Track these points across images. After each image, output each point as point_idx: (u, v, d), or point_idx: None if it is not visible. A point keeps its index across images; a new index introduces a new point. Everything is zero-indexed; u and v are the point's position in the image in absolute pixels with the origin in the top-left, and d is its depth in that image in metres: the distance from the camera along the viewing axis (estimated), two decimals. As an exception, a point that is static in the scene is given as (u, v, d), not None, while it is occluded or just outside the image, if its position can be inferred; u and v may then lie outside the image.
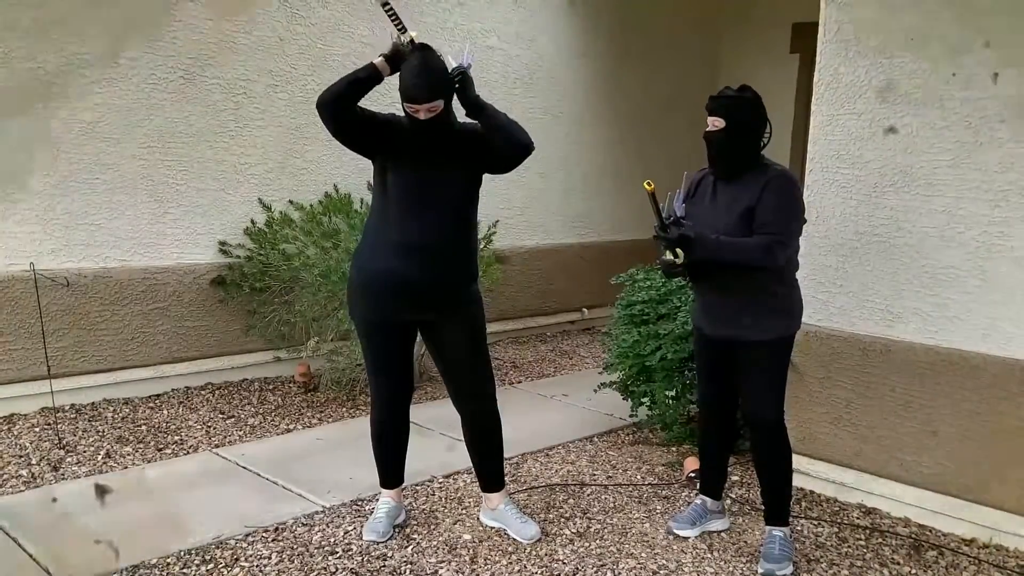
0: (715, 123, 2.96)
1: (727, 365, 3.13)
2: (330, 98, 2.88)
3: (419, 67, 2.84)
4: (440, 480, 3.78)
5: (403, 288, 3.01)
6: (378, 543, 3.17)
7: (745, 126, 2.94)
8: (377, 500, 3.36)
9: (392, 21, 2.87)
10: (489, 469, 3.33)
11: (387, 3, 2.87)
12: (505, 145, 2.97)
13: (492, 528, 3.33)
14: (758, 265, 2.89)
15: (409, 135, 2.98)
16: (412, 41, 2.88)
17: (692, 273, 3.01)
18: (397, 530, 3.29)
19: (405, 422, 3.31)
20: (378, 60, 2.90)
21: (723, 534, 3.35)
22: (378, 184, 3.07)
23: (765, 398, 3.06)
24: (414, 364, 5.16)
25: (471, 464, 3.39)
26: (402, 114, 3.00)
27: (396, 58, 2.88)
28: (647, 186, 2.80)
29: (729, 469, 3.49)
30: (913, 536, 3.38)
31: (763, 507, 3.19)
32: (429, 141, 2.95)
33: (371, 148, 3.03)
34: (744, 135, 2.94)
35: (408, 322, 3.13)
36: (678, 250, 2.89)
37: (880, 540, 3.35)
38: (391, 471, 3.34)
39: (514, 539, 3.23)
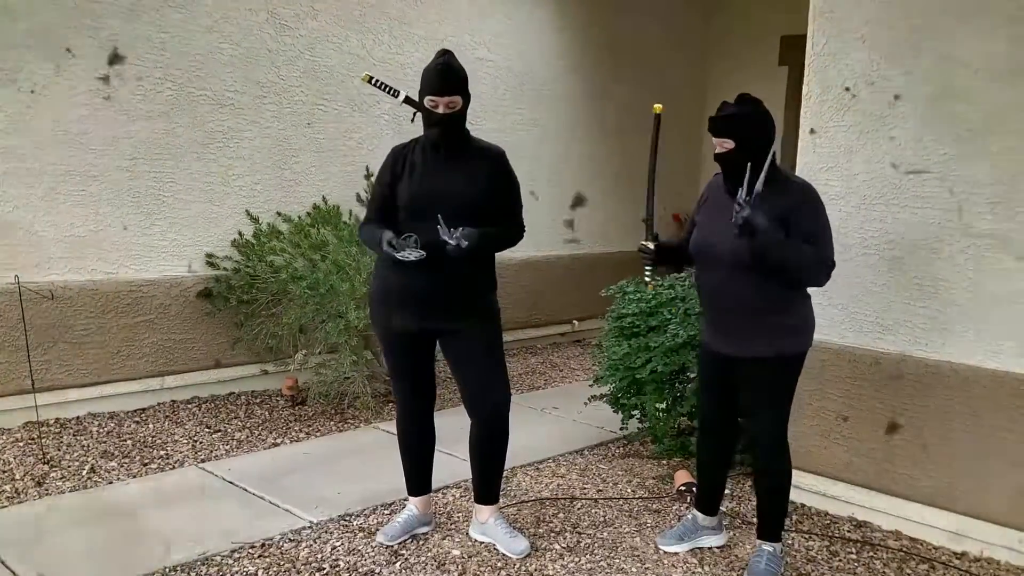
0: (723, 144, 2.80)
1: (732, 383, 3.06)
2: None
3: (441, 64, 2.98)
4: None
5: (414, 298, 3.08)
6: (379, 550, 3.14)
7: (756, 142, 2.76)
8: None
9: (383, 90, 3.08)
10: (487, 481, 3.30)
11: (372, 78, 3.07)
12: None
13: (481, 543, 3.30)
14: (804, 274, 2.74)
15: (418, 153, 3.08)
16: (408, 98, 3.04)
17: (699, 280, 3.00)
18: (412, 539, 3.31)
19: (429, 430, 3.36)
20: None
21: (715, 548, 3.32)
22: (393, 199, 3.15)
23: (770, 416, 2.99)
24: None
25: (464, 478, 3.34)
26: (405, 142, 3.12)
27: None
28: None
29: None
30: (904, 549, 3.37)
31: (756, 521, 3.17)
32: (443, 143, 3.03)
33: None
34: (757, 151, 2.74)
35: (424, 331, 3.16)
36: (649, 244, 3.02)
37: (871, 554, 3.33)
38: (414, 478, 3.38)
39: (504, 555, 3.21)
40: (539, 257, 6.78)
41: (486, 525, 3.31)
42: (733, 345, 2.94)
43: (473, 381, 3.19)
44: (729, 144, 2.78)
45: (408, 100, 3.03)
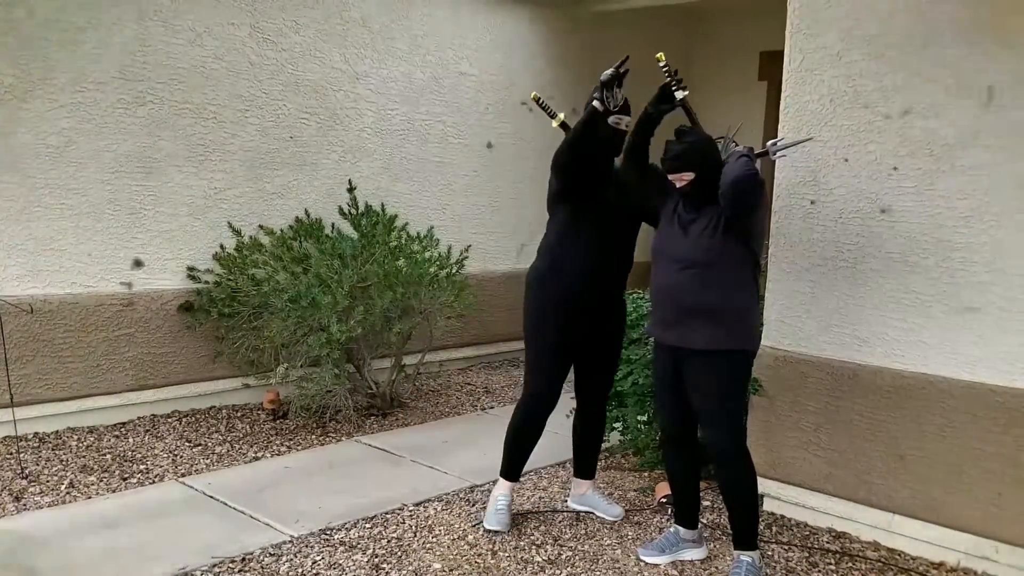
0: (684, 178, 3.04)
1: (683, 387, 3.14)
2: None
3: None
4: (411, 508, 3.74)
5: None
6: (359, 564, 3.14)
7: (714, 166, 3.02)
8: (491, 492, 3.61)
9: (544, 110, 3.56)
10: (594, 458, 3.78)
11: (540, 98, 3.64)
12: None
13: (463, 556, 3.30)
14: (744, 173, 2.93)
15: (599, 175, 3.44)
16: (563, 123, 3.53)
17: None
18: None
19: None
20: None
21: (696, 561, 3.33)
22: (567, 215, 3.58)
23: (718, 420, 3.07)
24: (386, 390, 5.15)
25: (445, 492, 3.29)
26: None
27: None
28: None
29: (700, 494, 3.48)
30: (882, 560, 3.40)
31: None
32: (607, 167, 3.45)
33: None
34: (715, 172, 3.00)
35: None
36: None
37: (850, 564, 3.36)
38: (521, 463, 3.67)
39: (486, 568, 3.21)
40: (522, 269, 6.76)
41: (586, 495, 3.76)
42: (675, 336, 3.09)
43: (604, 376, 3.72)
44: (689, 176, 3.02)
45: (564, 124, 3.53)
